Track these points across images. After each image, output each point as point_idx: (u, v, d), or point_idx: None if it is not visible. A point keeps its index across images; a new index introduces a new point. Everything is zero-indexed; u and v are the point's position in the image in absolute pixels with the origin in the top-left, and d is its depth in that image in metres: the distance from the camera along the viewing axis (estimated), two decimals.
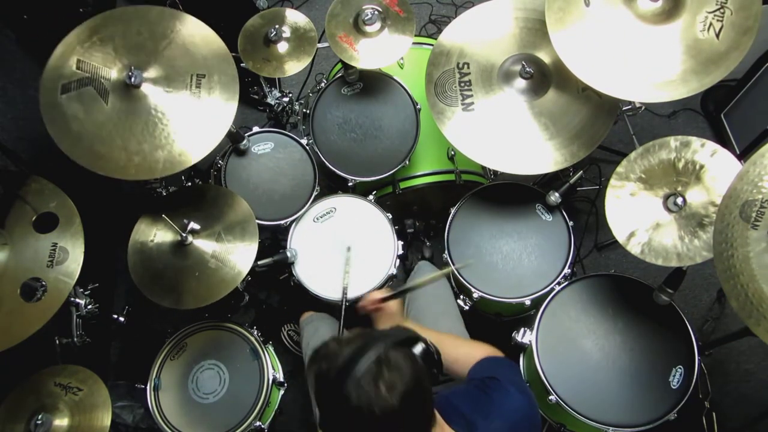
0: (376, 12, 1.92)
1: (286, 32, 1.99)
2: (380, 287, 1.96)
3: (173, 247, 1.75)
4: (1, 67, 2.16)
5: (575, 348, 1.76)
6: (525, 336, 1.79)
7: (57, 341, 1.77)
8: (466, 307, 1.97)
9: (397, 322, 1.57)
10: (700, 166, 1.62)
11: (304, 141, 2.09)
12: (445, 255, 1.97)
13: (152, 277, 1.74)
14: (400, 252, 1.97)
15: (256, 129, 2.10)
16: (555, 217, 1.96)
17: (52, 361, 1.77)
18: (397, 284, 2.09)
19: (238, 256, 1.74)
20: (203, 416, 1.87)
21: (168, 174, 1.58)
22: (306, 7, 3.12)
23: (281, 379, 2.00)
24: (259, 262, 1.82)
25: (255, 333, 1.98)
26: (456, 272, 1.90)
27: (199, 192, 1.90)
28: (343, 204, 2.06)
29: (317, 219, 2.04)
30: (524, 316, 2.13)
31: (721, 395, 2.19)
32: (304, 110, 2.20)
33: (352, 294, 1.91)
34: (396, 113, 2.11)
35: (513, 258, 1.93)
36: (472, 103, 1.80)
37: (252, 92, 2.72)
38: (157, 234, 1.78)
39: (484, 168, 2.20)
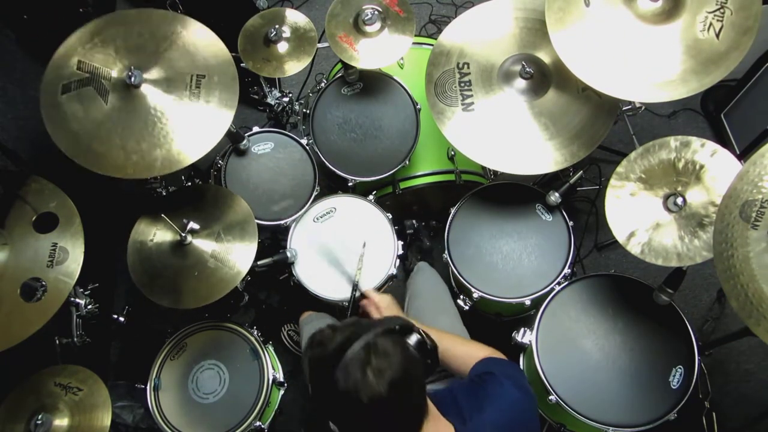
0: (376, 12, 1.92)
1: (286, 32, 1.99)
2: (380, 287, 1.96)
3: (173, 247, 1.75)
4: (1, 67, 2.16)
5: (575, 348, 1.76)
6: (525, 336, 1.79)
7: (57, 341, 1.77)
8: (466, 307, 1.97)
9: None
10: (700, 166, 1.62)
11: (304, 141, 2.09)
12: (445, 255, 1.97)
13: (152, 276, 1.74)
14: (400, 252, 1.97)
15: (256, 129, 2.10)
16: (555, 217, 1.96)
17: (52, 361, 1.77)
18: (397, 284, 2.09)
19: (238, 256, 1.74)
20: (203, 416, 1.87)
21: (166, 172, 1.58)
22: (306, 7, 3.12)
23: (281, 379, 2.00)
24: (258, 262, 1.82)
25: (255, 333, 1.98)
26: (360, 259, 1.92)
27: (199, 192, 1.90)
28: (343, 204, 2.06)
29: (317, 219, 2.04)
30: (524, 316, 2.13)
31: (721, 395, 2.19)
32: (304, 110, 2.20)
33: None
34: (396, 113, 2.11)
35: (513, 258, 1.93)
36: (472, 103, 1.80)
37: (252, 92, 2.72)
38: (156, 234, 1.78)
39: (484, 168, 2.20)
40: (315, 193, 2.05)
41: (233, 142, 2.01)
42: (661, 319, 1.74)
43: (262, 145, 2.07)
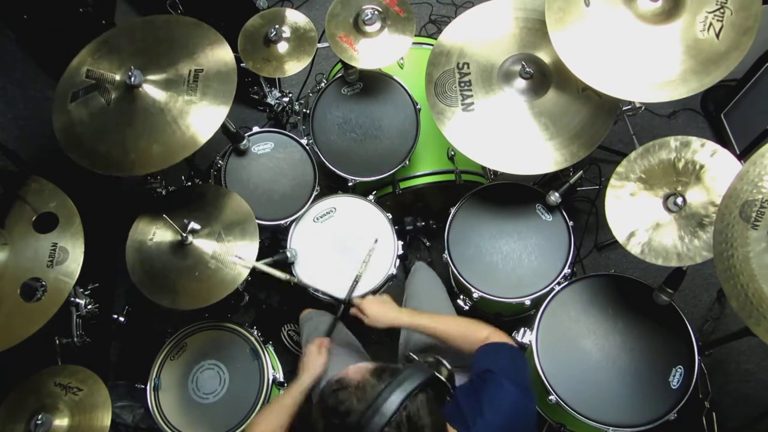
0: (376, 12, 1.92)
1: (286, 32, 1.99)
2: (381, 287, 1.96)
3: (173, 247, 1.75)
4: (1, 67, 2.16)
5: (575, 348, 1.76)
6: (525, 336, 1.79)
7: (57, 341, 1.77)
8: (466, 307, 1.97)
9: (391, 317, 1.56)
10: (700, 166, 1.62)
11: (304, 141, 2.09)
12: (445, 255, 1.97)
13: (152, 276, 1.74)
14: (400, 252, 1.97)
15: (256, 129, 2.10)
16: (555, 217, 1.96)
17: (52, 361, 1.77)
18: (397, 284, 2.09)
19: (239, 256, 1.74)
20: (203, 416, 1.87)
21: (163, 166, 1.58)
22: (306, 7, 3.12)
23: (281, 379, 2.00)
24: (259, 262, 1.82)
25: (255, 333, 1.98)
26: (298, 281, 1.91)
27: (199, 192, 1.90)
28: (343, 204, 2.06)
29: (317, 219, 2.04)
30: (524, 316, 2.13)
31: (721, 395, 2.18)
32: (304, 110, 2.20)
33: (352, 294, 1.91)
34: (396, 113, 2.11)
35: (513, 258, 1.93)
36: (472, 103, 1.80)
37: (252, 92, 2.72)
38: (155, 233, 1.78)
39: (484, 168, 2.20)
40: (315, 193, 2.05)
41: (233, 142, 2.01)
42: (661, 319, 1.74)
43: (262, 145, 2.07)
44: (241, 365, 1.93)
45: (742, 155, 2.34)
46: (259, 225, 1.82)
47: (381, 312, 1.58)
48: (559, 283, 1.86)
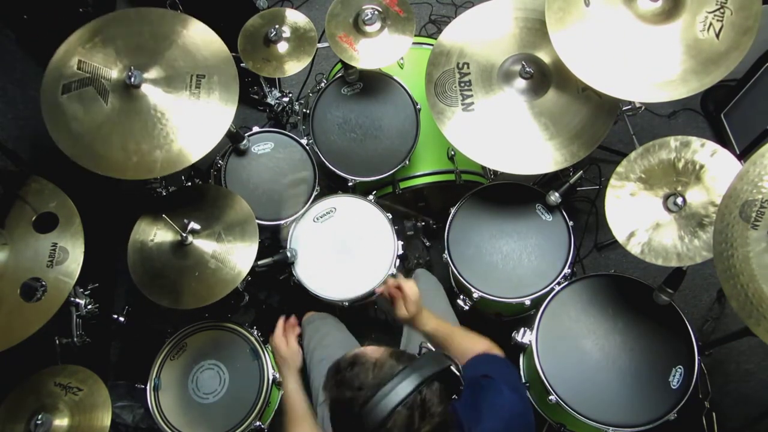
0: (376, 12, 1.92)
1: (286, 32, 1.99)
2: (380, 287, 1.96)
3: (173, 247, 1.75)
4: (1, 67, 2.16)
5: (575, 348, 1.76)
6: (525, 336, 1.79)
7: (57, 341, 1.77)
8: (466, 307, 1.97)
9: (413, 310, 1.46)
10: (700, 166, 1.62)
11: (304, 141, 2.09)
12: (445, 255, 1.97)
13: (152, 276, 1.74)
14: (400, 252, 1.97)
15: (256, 129, 2.10)
16: (555, 217, 1.96)
17: (52, 361, 1.76)
18: None
19: (238, 256, 1.74)
20: (203, 416, 1.87)
21: (166, 174, 1.58)
22: (306, 7, 3.12)
23: (281, 379, 1.99)
24: (259, 262, 1.82)
25: (255, 333, 1.98)
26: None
27: (199, 192, 1.90)
28: (343, 204, 2.06)
29: (317, 219, 2.04)
30: (524, 316, 2.13)
31: (721, 395, 2.18)
32: (304, 110, 2.20)
33: (352, 294, 1.91)
34: (396, 113, 2.11)
35: (513, 258, 1.93)
36: (472, 103, 1.80)
37: (252, 92, 2.72)
38: (157, 234, 1.78)
39: (484, 168, 2.20)
40: (315, 193, 2.05)
41: (233, 142, 2.01)
42: (661, 319, 1.74)
43: (262, 145, 2.07)
44: (241, 365, 1.93)
45: (742, 155, 2.34)
46: (259, 225, 1.82)
47: (418, 298, 1.48)
48: (559, 283, 1.86)
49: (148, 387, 1.89)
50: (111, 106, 1.60)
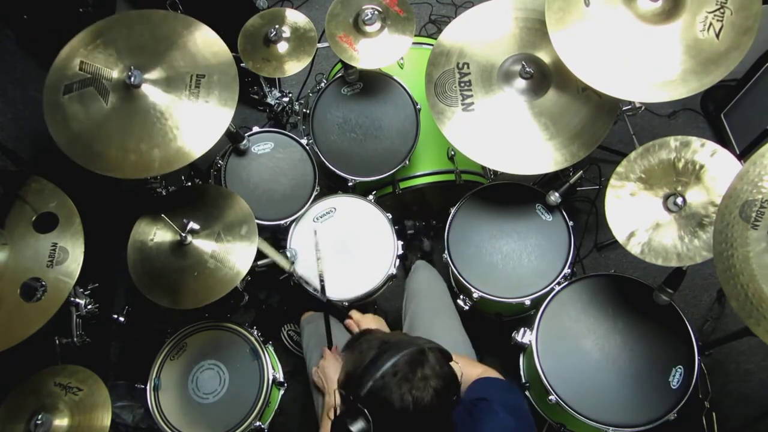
0: (376, 12, 1.92)
1: (286, 32, 1.99)
2: (380, 287, 1.97)
3: (173, 247, 1.75)
4: (1, 67, 2.16)
5: (575, 348, 1.76)
6: (525, 336, 1.79)
7: (57, 341, 1.77)
8: (466, 307, 1.97)
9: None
10: (700, 166, 1.62)
11: (304, 141, 2.09)
12: (445, 255, 1.97)
13: (151, 276, 1.74)
14: (400, 252, 1.97)
15: (256, 129, 2.10)
16: (555, 217, 1.96)
17: (52, 361, 1.76)
18: (397, 284, 2.09)
19: (238, 256, 1.74)
20: (203, 416, 1.87)
21: (164, 172, 1.58)
22: (306, 7, 3.12)
23: (281, 379, 2.00)
24: (258, 262, 1.82)
25: (255, 333, 1.98)
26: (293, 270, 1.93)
27: (198, 192, 1.89)
28: (343, 204, 2.06)
29: (317, 219, 2.04)
30: (524, 316, 2.13)
31: (721, 395, 2.18)
32: (304, 110, 2.20)
33: (352, 294, 1.91)
34: (396, 113, 2.11)
35: (513, 258, 1.93)
36: (472, 103, 1.80)
37: (252, 92, 2.72)
38: (156, 233, 1.78)
39: (484, 168, 2.20)
40: (315, 193, 2.05)
41: (233, 142, 2.01)
42: (661, 319, 1.74)
43: (262, 145, 2.07)
44: (241, 365, 1.93)
45: (742, 155, 2.34)
46: (259, 225, 1.82)
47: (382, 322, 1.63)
48: (559, 283, 1.86)
49: (148, 387, 1.89)
50: (111, 105, 1.60)
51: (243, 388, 1.90)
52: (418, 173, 2.16)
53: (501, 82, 1.81)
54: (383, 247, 1.98)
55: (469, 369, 1.39)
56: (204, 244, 1.75)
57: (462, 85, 1.82)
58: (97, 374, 1.73)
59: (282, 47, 1.99)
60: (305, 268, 1.97)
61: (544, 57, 1.82)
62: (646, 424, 1.64)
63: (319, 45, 2.03)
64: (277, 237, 2.31)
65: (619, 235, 1.64)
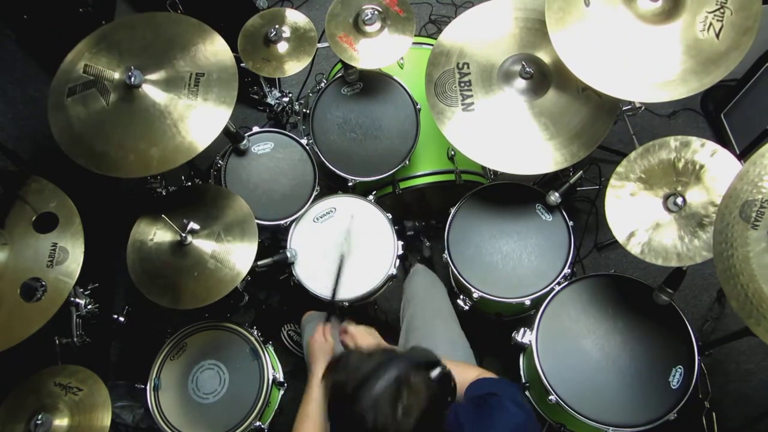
0: (376, 12, 1.92)
1: (286, 32, 1.99)
2: (380, 287, 1.96)
3: (173, 247, 1.75)
4: (1, 67, 2.16)
5: (575, 348, 1.75)
6: (525, 336, 1.79)
7: (57, 341, 1.77)
8: (466, 307, 1.97)
9: (372, 341, 1.57)
10: (700, 166, 1.62)
11: (304, 141, 2.09)
12: (445, 255, 1.97)
13: (151, 276, 1.74)
14: (400, 252, 1.97)
15: (256, 129, 2.10)
16: (555, 217, 1.96)
17: (52, 361, 1.77)
18: (397, 284, 2.09)
19: (238, 256, 1.74)
20: (203, 416, 1.87)
21: (162, 170, 1.58)
22: (306, 7, 3.12)
23: (281, 379, 2.00)
24: (259, 262, 1.82)
25: (255, 333, 1.98)
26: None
27: (198, 192, 1.90)
28: (343, 204, 2.06)
29: (317, 219, 2.04)
30: (524, 316, 2.13)
31: (721, 395, 2.18)
32: (304, 110, 2.20)
33: (352, 294, 1.91)
34: (396, 113, 2.11)
35: (513, 258, 1.93)
36: (472, 103, 1.80)
37: (252, 92, 2.72)
38: (156, 233, 1.78)
39: (484, 168, 2.20)
40: (315, 193, 2.05)
41: (233, 142, 2.01)
42: (661, 319, 1.74)
43: (262, 145, 2.07)
44: (241, 365, 1.93)
45: (742, 155, 2.34)
46: (259, 225, 1.82)
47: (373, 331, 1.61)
48: (559, 283, 1.86)
49: (148, 387, 1.89)
50: (111, 105, 1.61)
51: (243, 388, 1.90)
52: (418, 173, 2.17)
53: (501, 82, 1.81)
54: (383, 248, 1.98)
55: (464, 373, 1.39)
56: (204, 244, 1.75)
57: (462, 85, 1.82)
58: (97, 374, 1.73)
59: (282, 47, 1.99)
60: (305, 269, 1.97)
61: (544, 57, 1.82)
62: (646, 424, 1.64)
63: (319, 45, 2.03)
64: (277, 237, 2.31)
65: (619, 235, 1.64)
